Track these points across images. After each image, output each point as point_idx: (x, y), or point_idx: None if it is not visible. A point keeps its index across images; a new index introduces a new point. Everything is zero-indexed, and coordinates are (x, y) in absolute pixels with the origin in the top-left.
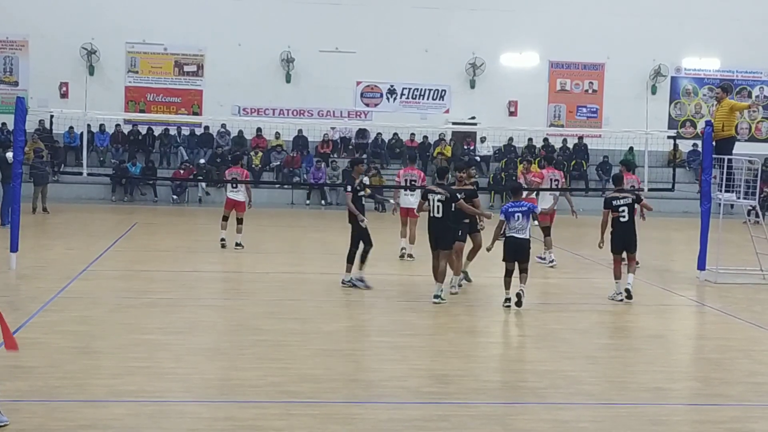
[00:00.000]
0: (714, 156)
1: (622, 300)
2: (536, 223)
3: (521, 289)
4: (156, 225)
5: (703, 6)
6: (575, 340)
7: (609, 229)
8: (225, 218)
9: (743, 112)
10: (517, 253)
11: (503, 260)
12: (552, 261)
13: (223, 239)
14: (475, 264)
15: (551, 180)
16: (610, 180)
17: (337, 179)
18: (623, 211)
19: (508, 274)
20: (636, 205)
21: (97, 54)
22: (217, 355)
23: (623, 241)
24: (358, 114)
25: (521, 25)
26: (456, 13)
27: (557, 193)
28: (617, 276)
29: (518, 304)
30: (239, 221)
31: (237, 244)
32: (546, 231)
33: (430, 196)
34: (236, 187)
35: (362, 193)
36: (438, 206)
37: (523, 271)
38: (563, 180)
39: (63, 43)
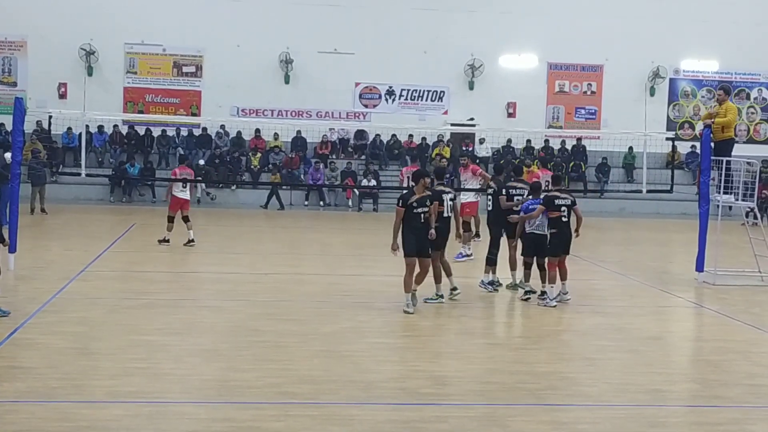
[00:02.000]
0: (712, 158)
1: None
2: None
3: (545, 288)
4: (154, 226)
5: (702, 8)
6: (573, 342)
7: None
8: (172, 219)
9: (741, 115)
10: (537, 249)
11: (522, 255)
12: (469, 255)
13: (168, 240)
14: (474, 266)
15: (408, 178)
16: (553, 180)
17: (336, 180)
18: (564, 211)
19: (528, 266)
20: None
21: (96, 55)
22: (216, 356)
23: (566, 243)
24: (356, 115)
25: (520, 27)
26: (455, 15)
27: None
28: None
29: (542, 298)
30: (187, 219)
31: (191, 241)
32: (466, 226)
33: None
34: (185, 186)
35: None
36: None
37: (543, 268)
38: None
39: (62, 43)
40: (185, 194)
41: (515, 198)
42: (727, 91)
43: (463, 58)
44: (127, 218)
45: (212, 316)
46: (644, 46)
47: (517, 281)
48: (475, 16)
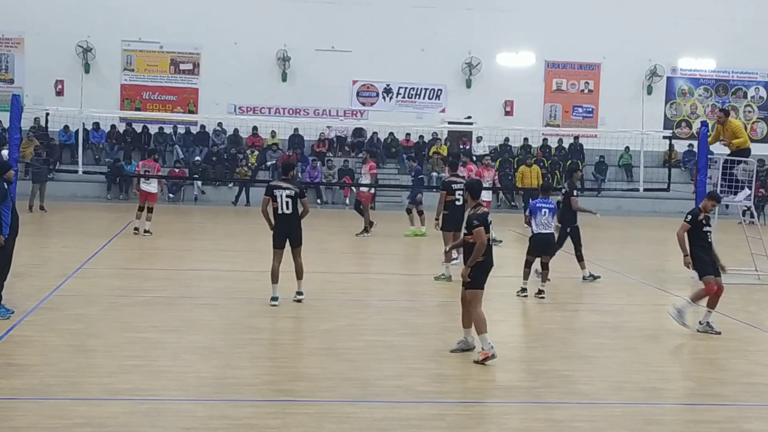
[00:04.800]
0: (709, 156)
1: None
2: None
3: (543, 287)
4: (151, 223)
5: (699, 6)
6: (570, 340)
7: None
8: (140, 209)
9: (738, 114)
10: (543, 248)
11: (528, 254)
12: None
13: (136, 228)
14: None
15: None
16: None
17: (333, 178)
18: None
19: (528, 264)
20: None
21: (93, 52)
22: (213, 354)
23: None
24: (354, 113)
25: (517, 25)
26: (452, 13)
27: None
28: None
29: (541, 297)
30: (150, 210)
31: (146, 231)
32: None
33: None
34: (148, 180)
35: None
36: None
37: (545, 267)
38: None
39: (59, 40)
40: (148, 187)
41: (456, 192)
42: (727, 113)
43: (461, 56)
44: (124, 215)
45: (209, 314)
46: (641, 44)
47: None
48: (473, 13)
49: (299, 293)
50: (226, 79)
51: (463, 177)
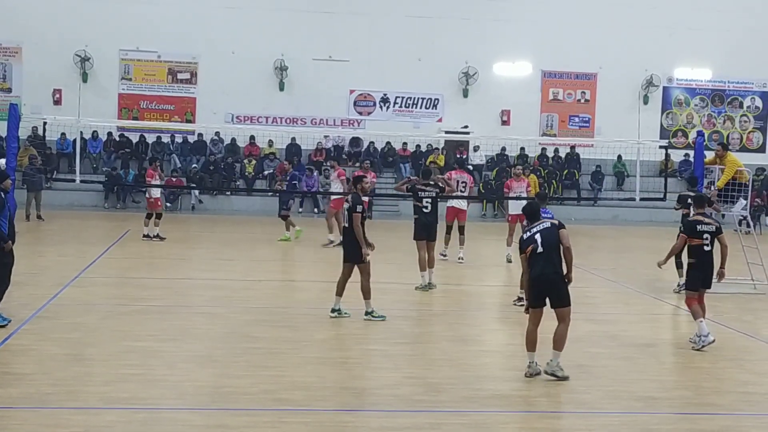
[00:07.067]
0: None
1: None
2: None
3: (521, 294)
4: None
5: (695, 17)
6: (567, 349)
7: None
8: (148, 216)
9: (734, 122)
10: None
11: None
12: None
13: (146, 234)
14: (469, 273)
15: (458, 182)
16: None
17: (329, 187)
18: (427, 203)
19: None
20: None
21: (91, 61)
22: (210, 363)
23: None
24: (351, 122)
25: (514, 35)
26: (449, 23)
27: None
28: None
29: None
30: (158, 217)
31: (155, 236)
32: (461, 230)
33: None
34: (153, 188)
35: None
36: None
37: None
38: (471, 183)
39: (57, 49)
40: (152, 194)
41: (424, 199)
42: (725, 147)
43: (458, 66)
44: (122, 224)
45: (206, 323)
46: (638, 54)
47: (428, 281)
48: (470, 23)
49: (332, 310)
50: (224, 89)
51: (434, 184)
